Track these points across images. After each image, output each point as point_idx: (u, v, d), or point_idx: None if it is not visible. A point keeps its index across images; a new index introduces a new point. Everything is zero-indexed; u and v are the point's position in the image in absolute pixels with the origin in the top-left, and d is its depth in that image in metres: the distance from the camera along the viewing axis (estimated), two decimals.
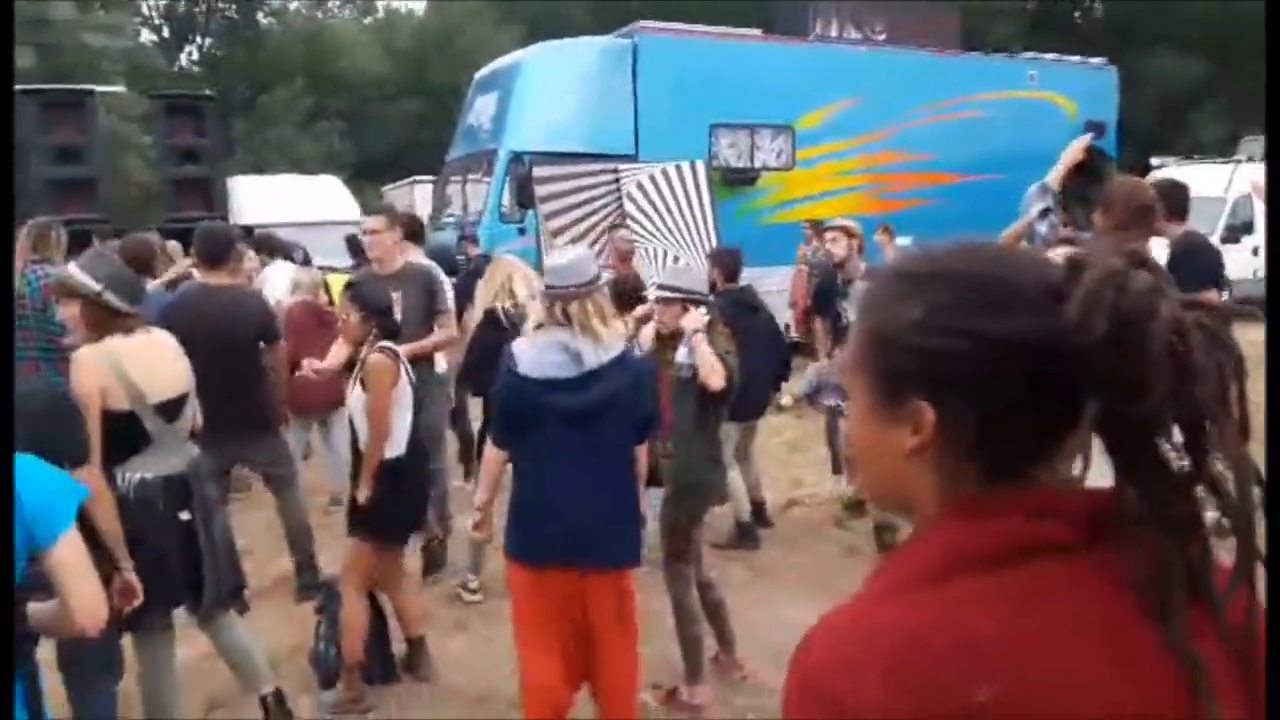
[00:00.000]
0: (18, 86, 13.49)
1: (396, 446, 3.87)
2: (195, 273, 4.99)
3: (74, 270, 3.20)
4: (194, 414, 3.46)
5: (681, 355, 3.95)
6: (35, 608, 1.83)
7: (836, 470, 6.63)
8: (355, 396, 3.89)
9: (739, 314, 5.00)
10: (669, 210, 8.64)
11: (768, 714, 3.89)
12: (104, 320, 3.16)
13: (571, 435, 3.08)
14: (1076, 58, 15.52)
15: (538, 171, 8.76)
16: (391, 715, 3.93)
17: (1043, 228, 3.90)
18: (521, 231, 10.76)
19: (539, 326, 3.22)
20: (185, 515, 3.24)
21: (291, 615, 4.74)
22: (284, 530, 5.07)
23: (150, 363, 3.22)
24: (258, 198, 14.34)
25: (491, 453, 3.37)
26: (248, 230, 10.09)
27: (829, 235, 6.30)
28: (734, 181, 11.89)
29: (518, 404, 3.16)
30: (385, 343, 3.90)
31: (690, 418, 3.94)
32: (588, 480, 3.11)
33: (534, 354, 3.13)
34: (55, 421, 2.54)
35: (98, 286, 3.14)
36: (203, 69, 29.28)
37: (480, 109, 12.53)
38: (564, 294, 3.11)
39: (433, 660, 4.22)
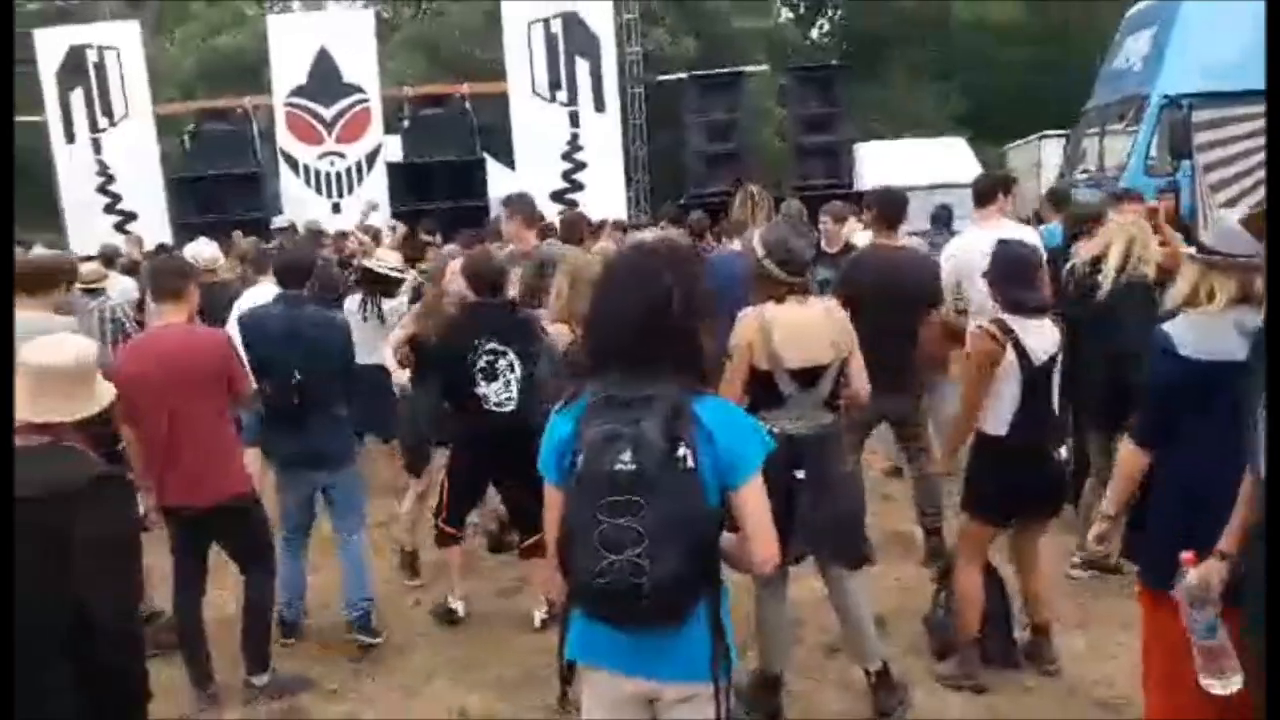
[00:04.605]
0: (686, 73, 15.56)
1: (999, 424, 3.64)
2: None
3: (755, 237, 3.56)
4: (840, 382, 3.51)
5: None
6: (725, 539, 2.05)
7: None
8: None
9: None
10: None
11: None
12: (763, 284, 3.46)
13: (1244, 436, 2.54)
14: None
15: (1198, 116, 7.74)
16: (1007, 704, 3.74)
17: None
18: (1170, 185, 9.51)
19: (1201, 301, 2.71)
20: (799, 474, 3.36)
21: (905, 577, 4.77)
22: (914, 492, 5.10)
23: (796, 331, 3.39)
24: (881, 162, 14.69)
25: (1133, 454, 2.95)
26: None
27: None
28: None
29: (1182, 392, 2.70)
30: (1001, 316, 3.65)
31: None
32: None
33: (1200, 335, 2.67)
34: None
35: (761, 252, 3.44)
36: (833, 40, 30.81)
37: (1130, 49, 11.25)
38: (1249, 264, 2.59)
39: (1058, 653, 3.94)
